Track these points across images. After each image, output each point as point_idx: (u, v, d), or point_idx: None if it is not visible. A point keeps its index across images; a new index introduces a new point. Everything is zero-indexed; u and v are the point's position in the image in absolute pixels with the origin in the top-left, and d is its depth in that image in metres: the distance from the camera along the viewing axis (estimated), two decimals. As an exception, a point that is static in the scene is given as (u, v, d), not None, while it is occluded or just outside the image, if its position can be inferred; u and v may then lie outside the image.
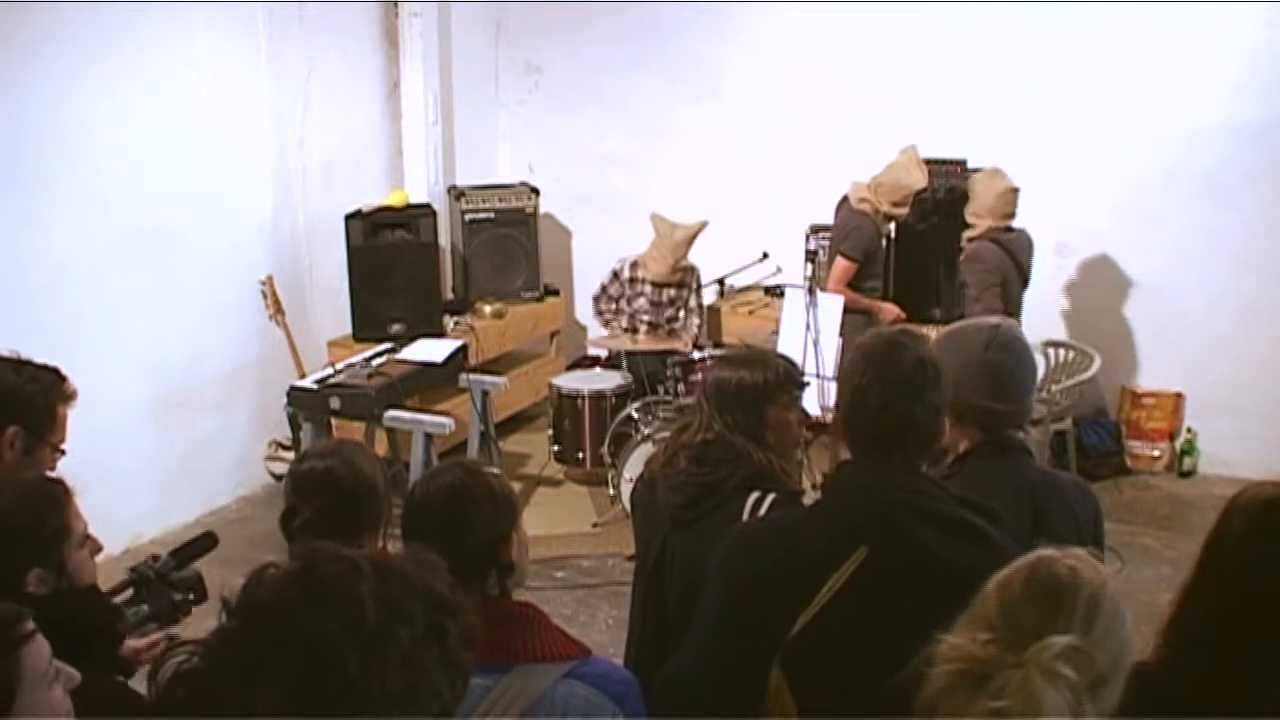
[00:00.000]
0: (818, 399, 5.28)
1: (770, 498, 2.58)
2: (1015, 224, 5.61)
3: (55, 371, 2.78)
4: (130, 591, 2.42)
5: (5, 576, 2.18)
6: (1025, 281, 5.61)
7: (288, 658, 1.09)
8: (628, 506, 5.38)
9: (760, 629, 2.01)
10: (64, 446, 2.75)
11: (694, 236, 6.23)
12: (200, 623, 2.45)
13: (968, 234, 5.63)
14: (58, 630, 2.10)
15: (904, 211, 5.77)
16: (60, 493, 2.33)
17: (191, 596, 2.41)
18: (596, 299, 6.54)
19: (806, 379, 5.42)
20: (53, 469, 2.73)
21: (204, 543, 2.59)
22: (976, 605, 1.50)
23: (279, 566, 1.19)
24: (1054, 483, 2.53)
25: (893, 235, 6.57)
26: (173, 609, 2.38)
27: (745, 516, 2.56)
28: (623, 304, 6.47)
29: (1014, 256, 5.57)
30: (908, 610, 1.92)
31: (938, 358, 2.12)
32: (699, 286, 6.58)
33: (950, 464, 2.44)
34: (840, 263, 5.62)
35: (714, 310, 6.91)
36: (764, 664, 2.01)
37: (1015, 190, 5.60)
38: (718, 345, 6.40)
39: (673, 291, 6.46)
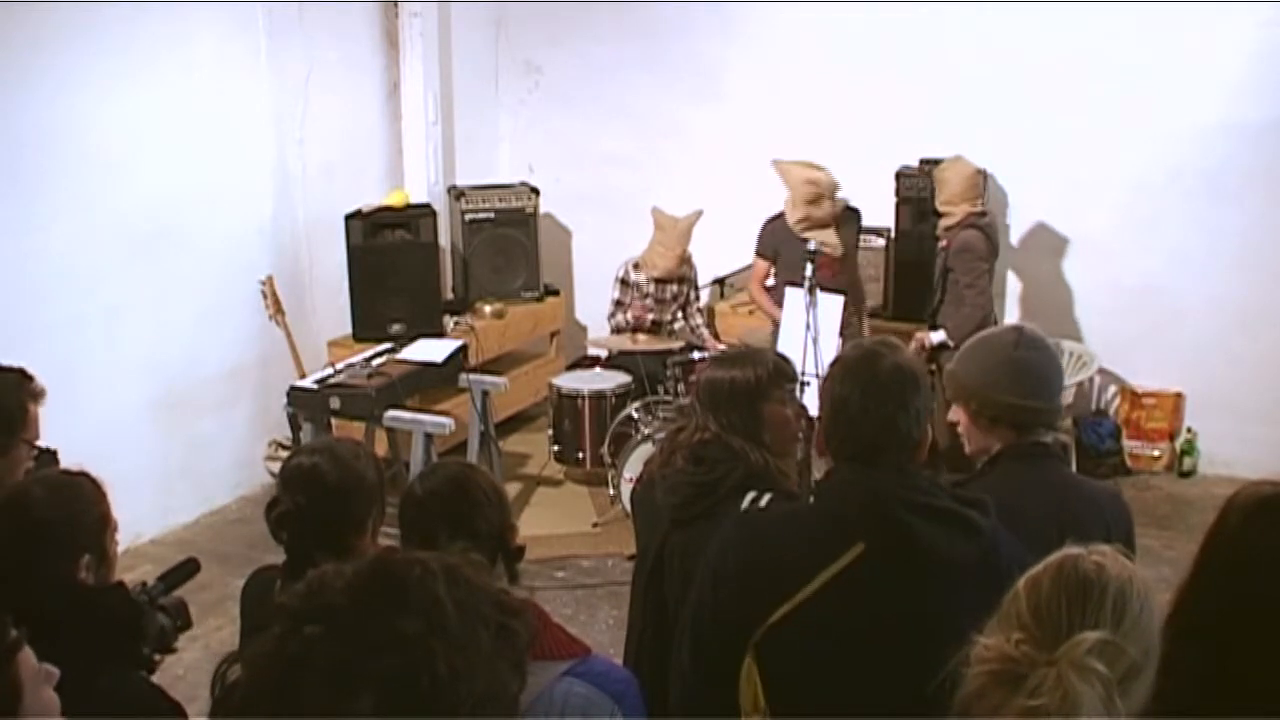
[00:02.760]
0: (816, 399, 5.27)
1: (767, 498, 2.59)
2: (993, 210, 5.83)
3: (21, 371, 2.86)
4: None
5: (63, 560, 2.20)
6: None
7: (382, 662, 1.07)
8: (628, 506, 5.38)
9: (745, 617, 2.02)
10: (38, 443, 2.84)
11: (693, 225, 6.31)
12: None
13: (944, 223, 5.70)
14: (89, 626, 2.11)
15: (820, 211, 5.55)
16: (97, 482, 2.36)
17: (179, 623, 2.42)
18: (612, 315, 6.51)
19: (806, 379, 5.44)
20: (27, 463, 2.80)
21: (189, 568, 2.60)
22: (1007, 605, 1.53)
23: (338, 569, 1.16)
24: (1085, 489, 2.51)
25: (893, 236, 6.59)
26: (162, 635, 2.38)
27: None
28: (629, 306, 6.47)
29: (993, 241, 5.72)
30: (901, 603, 1.94)
31: (916, 365, 2.12)
32: (695, 279, 6.60)
33: (982, 466, 2.43)
34: (754, 263, 5.88)
35: (713, 310, 6.91)
36: (740, 648, 2.03)
37: (981, 172, 5.77)
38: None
39: (675, 287, 6.47)
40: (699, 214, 6.31)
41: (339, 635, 1.09)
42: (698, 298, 6.65)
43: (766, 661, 2.00)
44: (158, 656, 2.38)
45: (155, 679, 2.36)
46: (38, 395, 2.84)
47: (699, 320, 6.59)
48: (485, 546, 2.09)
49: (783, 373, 2.79)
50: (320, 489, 2.42)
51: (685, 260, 6.41)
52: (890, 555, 1.96)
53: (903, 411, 2.03)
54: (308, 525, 2.41)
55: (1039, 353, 2.45)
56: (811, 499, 2.16)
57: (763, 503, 2.57)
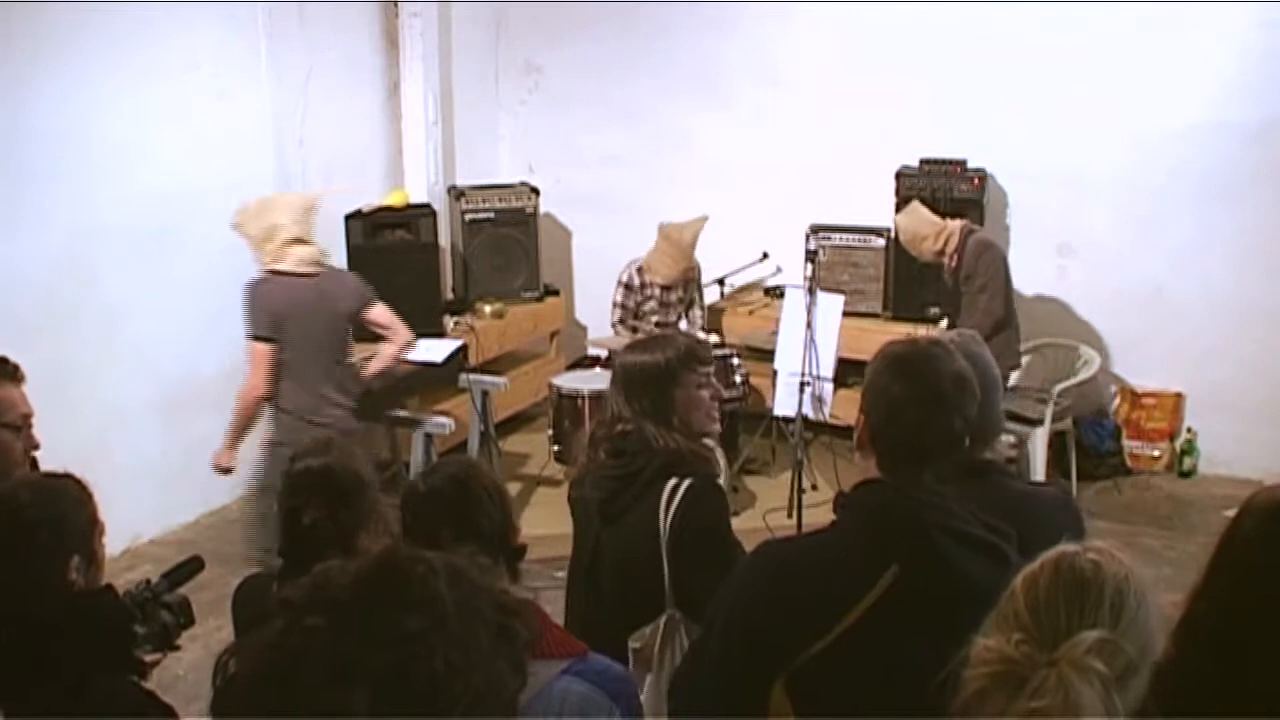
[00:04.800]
0: (813, 398, 5.28)
1: (687, 482, 2.58)
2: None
3: None
4: None
5: (52, 562, 2.18)
6: None
7: (381, 657, 1.08)
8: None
9: (776, 646, 1.97)
10: (31, 419, 2.77)
11: (699, 234, 6.26)
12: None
13: (949, 249, 5.63)
14: (79, 630, 2.10)
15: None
16: (83, 484, 2.34)
17: (182, 620, 2.41)
18: (620, 321, 6.48)
19: (805, 379, 5.43)
20: (35, 447, 2.78)
21: (192, 565, 2.59)
22: (1004, 604, 1.52)
23: (343, 565, 1.16)
24: (1032, 500, 2.46)
25: (893, 236, 6.59)
26: (165, 632, 2.37)
27: (664, 502, 2.57)
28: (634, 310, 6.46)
29: None
30: (933, 631, 1.88)
31: (970, 371, 2.07)
32: (700, 281, 6.59)
33: None
34: None
35: (714, 310, 6.91)
36: (772, 680, 1.98)
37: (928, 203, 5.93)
38: (720, 342, 6.39)
39: (679, 291, 6.47)
40: (704, 220, 6.26)
41: (339, 628, 1.09)
42: (701, 297, 6.64)
43: (799, 694, 1.96)
44: (158, 655, 2.38)
45: (155, 677, 2.36)
46: (8, 376, 2.73)
47: (700, 321, 6.58)
48: (487, 545, 2.10)
49: (695, 355, 2.77)
50: (337, 490, 2.42)
51: (691, 267, 6.41)
52: (925, 582, 1.93)
53: (960, 418, 2.00)
54: (333, 529, 2.40)
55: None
56: (839, 513, 2.09)
57: (684, 488, 2.56)
